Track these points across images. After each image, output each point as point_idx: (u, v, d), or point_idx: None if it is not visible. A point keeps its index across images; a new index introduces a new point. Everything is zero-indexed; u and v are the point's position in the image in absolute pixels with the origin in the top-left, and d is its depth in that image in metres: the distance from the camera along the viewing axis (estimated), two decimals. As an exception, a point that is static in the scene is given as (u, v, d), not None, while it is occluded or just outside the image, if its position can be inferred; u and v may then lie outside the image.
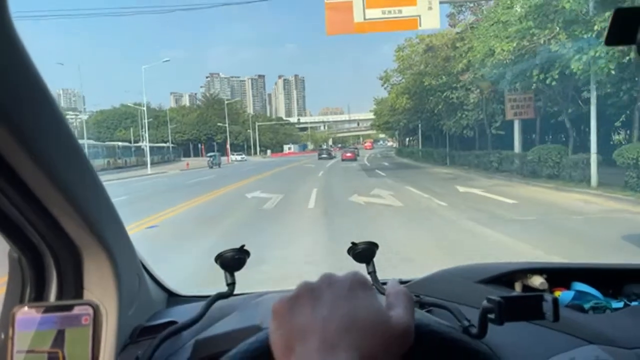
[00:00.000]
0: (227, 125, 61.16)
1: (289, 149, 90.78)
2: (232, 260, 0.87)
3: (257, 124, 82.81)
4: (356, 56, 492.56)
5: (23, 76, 0.51)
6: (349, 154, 44.15)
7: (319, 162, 40.21)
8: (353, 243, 0.94)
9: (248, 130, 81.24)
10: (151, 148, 55.08)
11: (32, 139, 0.55)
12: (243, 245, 0.88)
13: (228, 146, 57.24)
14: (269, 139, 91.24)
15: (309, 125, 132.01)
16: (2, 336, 0.72)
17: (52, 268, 0.77)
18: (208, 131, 78.77)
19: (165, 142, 71.16)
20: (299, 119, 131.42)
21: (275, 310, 0.44)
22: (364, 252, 0.94)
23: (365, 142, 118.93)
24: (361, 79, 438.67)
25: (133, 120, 74.85)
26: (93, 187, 0.72)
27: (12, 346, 0.68)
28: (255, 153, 79.64)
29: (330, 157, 50.32)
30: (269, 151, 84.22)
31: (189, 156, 79.83)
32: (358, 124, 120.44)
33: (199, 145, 76.16)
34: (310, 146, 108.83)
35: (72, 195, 0.65)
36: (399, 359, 0.42)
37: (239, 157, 57.24)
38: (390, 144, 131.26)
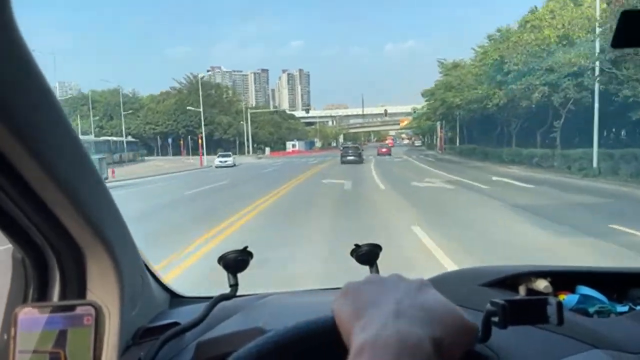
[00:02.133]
0: (201, 110, 40.80)
1: (293, 146, 72.50)
2: (235, 262, 0.86)
3: (249, 111, 62.44)
4: (362, 52, 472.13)
5: (25, 74, 0.51)
6: (384, 150, 47.60)
7: (347, 171, 20.63)
8: (356, 245, 0.92)
9: (241, 122, 61.15)
10: (93, 143, 34.32)
11: (33, 138, 0.55)
12: (246, 247, 0.87)
13: (202, 140, 37.09)
14: (268, 134, 72.16)
15: (317, 120, 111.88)
16: (5, 336, 0.72)
17: (55, 268, 0.77)
18: (188, 122, 59.28)
19: (131, 136, 51.26)
20: (307, 110, 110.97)
21: (347, 288, 0.45)
22: (367, 254, 0.92)
23: (386, 139, 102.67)
24: (370, 75, 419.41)
25: (92, 107, 55.44)
26: (96, 188, 0.71)
27: (15, 346, 0.68)
28: (248, 152, 59.44)
29: (361, 159, 30.21)
30: (267, 149, 64.23)
31: (159, 154, 60.35)
32: (385, 113, 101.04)
33: (170, 139, 56.33)
34: (318, 143, 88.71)
35: (74, 195, 0.65)
36: (462, 354, 0.42)
37: (219, 161, 34.29)
38: (406, 141, 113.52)
